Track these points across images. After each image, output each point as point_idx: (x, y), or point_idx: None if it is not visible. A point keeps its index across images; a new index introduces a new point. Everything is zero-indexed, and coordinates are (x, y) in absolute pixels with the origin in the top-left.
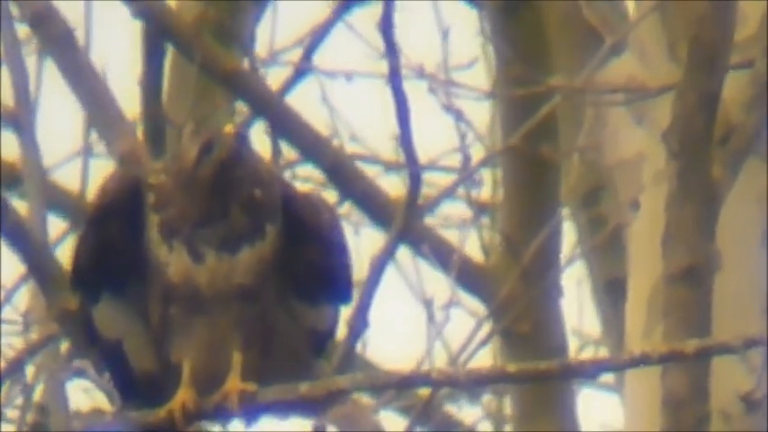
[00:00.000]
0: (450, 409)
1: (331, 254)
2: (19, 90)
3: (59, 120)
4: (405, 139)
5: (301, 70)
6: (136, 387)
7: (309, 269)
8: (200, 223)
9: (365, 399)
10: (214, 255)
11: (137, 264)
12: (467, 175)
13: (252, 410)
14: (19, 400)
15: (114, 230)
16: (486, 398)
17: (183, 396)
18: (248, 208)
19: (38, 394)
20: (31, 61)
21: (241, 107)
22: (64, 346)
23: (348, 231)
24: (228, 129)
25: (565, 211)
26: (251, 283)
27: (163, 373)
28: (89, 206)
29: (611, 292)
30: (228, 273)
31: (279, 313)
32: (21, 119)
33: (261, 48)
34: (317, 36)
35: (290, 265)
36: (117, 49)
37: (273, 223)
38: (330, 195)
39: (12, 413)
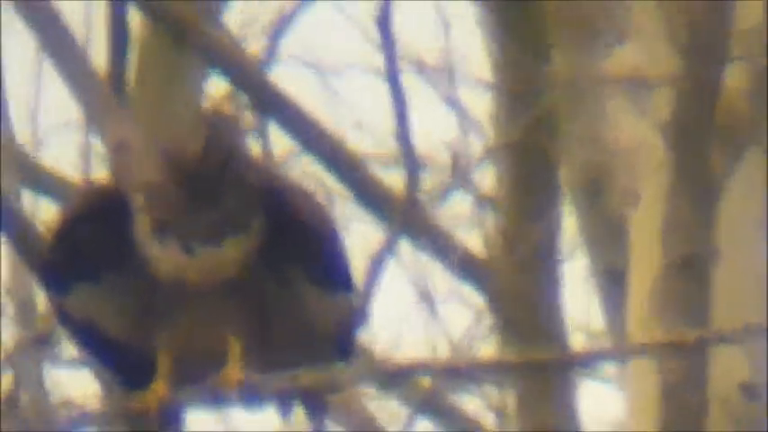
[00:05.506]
0: (453, 400)
1: (320, 241)
2: None
3: (57, 107)
4: (402, 134)
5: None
6: (119, 361)
7: (308, 256)
8: (191, 215)
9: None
10: (201, 248)
11: (108, 258)
12: (466, 168)
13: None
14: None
15: (82, 239)
16: (488, 389)
17: (158, 388)
18: (239, 195)
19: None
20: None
21: (217, 83)
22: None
23: (346, 225)
24: (225, 108)
25: (565, 203)
26: (236, 275)
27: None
28: (56, 221)
29: (612, 283)
30: (216, 265)
31: (282, 302)
32: None
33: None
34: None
35: (290, 253)
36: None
37: (257, 216)
38: (327, 188)
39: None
